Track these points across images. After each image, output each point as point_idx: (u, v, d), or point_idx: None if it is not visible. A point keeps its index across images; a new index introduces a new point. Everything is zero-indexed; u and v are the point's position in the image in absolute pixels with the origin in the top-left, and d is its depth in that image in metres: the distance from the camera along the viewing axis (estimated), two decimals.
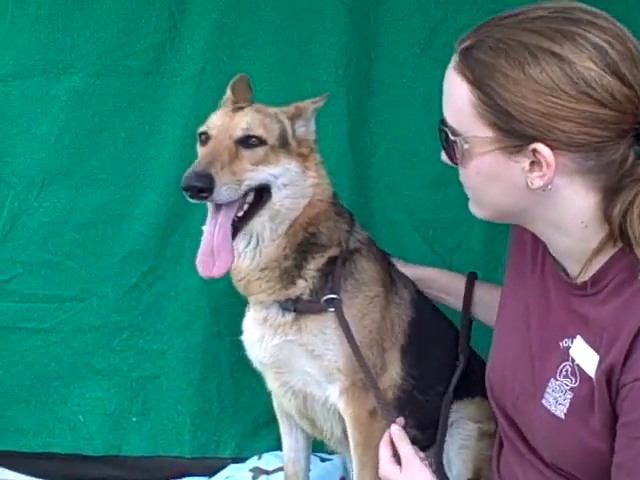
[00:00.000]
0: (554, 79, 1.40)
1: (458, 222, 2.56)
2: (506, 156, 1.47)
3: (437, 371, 2.13)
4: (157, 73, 2.53)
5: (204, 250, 1.94)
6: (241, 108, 2.08)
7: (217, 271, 1.93)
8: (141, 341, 2.59)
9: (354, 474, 2.11)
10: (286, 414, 2.27)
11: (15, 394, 2.59)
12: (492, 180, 1.50)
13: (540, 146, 1.43)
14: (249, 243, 2.04)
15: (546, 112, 1.41)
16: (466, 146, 1.49)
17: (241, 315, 2.27)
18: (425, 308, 2.17)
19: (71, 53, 2.50)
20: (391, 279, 2.13)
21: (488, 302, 2.12)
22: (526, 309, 1.65)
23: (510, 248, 1.81)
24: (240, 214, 1.97)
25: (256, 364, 2.18)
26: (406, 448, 1.71)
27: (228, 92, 2.17)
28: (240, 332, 2.29)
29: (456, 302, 2.20)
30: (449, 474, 2.05)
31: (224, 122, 2.02)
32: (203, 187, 1.87)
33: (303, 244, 2.04)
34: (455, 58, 1.49)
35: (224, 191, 1.89)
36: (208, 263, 1.93)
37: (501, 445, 1.76)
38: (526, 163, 1.46)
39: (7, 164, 2.54)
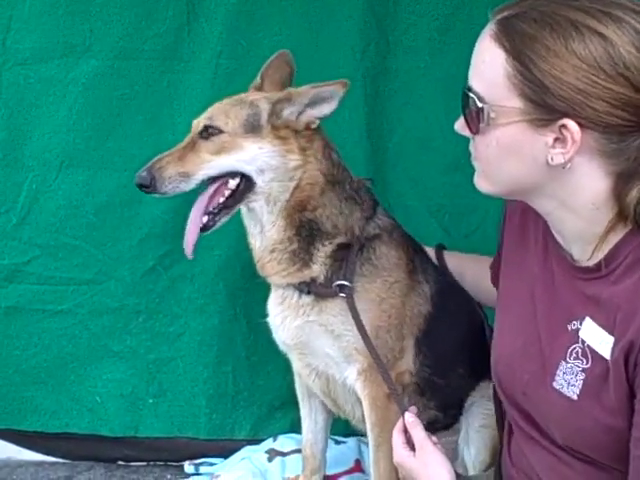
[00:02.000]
0: (596, 57, 1.41)
1: (475, 207, 2.57)
2: (532, 129, 1.46)
3: (456, 355, 2.14)
4: (175, 57, 2.53)
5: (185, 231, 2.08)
6: None
7: (187, 251, 2.08)
8: (158, 324, 2.61)
9: (370, 454, 2.14)
10: (307, 395, 2.30)
11: (33, 375, 2.61)
12: (510, 152, 1.49)
13: (570, 122, 1.43)
14: (256, 225, 2.10)
15: (582, 88, 1.41)
16: (492, 115, 1.47)
17: (257, 298, 2.29)
18: (448, 299, 2.16)
19: (89, 37, 2.51)
20: (414, 267, 2.14)
21: (460, 272, 2.16)
22: (531, 297, 1.64)
23: (502, 234, 1.80)
24: (221, 200, 2.05)
25: (281, 345, 2.21)
26: (420, 434, 1.72)
27: (258, 77, 2.18)
28: (256, 315, 2.32)
29: None
30: (467, 452, 2.07)
31: (200, 117, 2.10)
32: (145, 183, 2.01)
33: (304, 228, 2.07)
34: (492, 26, 1.48)
35: (168, 184, 2.02)
36: (185, 244, 2.08)
37: (510, 433, 1.76)
38: (550, 138, 1.45)
39: (25, 147, 2.55)
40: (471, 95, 1.50)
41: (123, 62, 2.53)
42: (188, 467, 2.58)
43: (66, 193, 2.56)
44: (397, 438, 1.74)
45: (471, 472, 2.14)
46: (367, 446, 2.43)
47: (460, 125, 1.55)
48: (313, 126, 2.08)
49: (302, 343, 2.14)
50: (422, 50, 2.57)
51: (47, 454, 2.65)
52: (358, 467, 2.45)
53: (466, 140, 2.55)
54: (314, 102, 2.07)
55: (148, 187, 2.02)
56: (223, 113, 2.06)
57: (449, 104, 2.56)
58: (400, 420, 1.76)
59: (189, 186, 2.03)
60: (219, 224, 2.09)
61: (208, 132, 2.05)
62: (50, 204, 2.56)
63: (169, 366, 2.61)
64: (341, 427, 2.46)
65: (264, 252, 2.11)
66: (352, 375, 2.09)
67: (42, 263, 2.58)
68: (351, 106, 2.50)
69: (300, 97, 2.07)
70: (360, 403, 2.13)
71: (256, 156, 2.04)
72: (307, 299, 2.09)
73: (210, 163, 2.03)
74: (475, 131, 1.52)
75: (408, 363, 2.11)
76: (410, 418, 1.74)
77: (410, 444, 1.73)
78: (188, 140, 2.08)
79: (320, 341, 2.10)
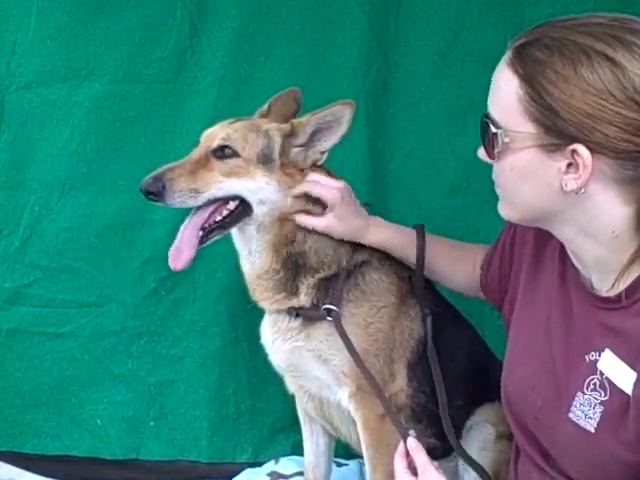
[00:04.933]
0: (604, 81, 1.41)
1: (476, 230, 2.56)
2: (544, 154, 1.47)
3: (453, 386, 2.11)
4: (178, 81, 2.55)
5: (174, 244, 2.05)
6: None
7: (179, 264, 2.02)
8: (159, 346, 2.60)
9: (367, 476, 2.13)
10: (308, 418, 2.30)
11: (33, 398, 2.60)
12: (525, 178, 1.50)
13: (580, 147, 1.44)
14: (244, 249, 2.12)
15: (591, 113, 1.42)
16: (506, 139, 1.49)
17: (259, 321, 2.29)
18: (446, 325, 2.15)
19: (93, 60, 2.52)
20: (405, 292, 2.13)
21: (437, 255, 2.12)
22: (547, 321, 1.64)
23: (511, 245, 1.80)
24: (218, 219, 2.04)
25: (276, 368, 2.22)
26: (422, 458, 1.71)
27: (266, 105, 2.19)
28: (258, 338, 2.32)
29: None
30: (468, 477, 2.06)
31: (213, 132, 2.09)
32: (153, 191, 1.98)
33: (290, 261, 2.08)
34: (508, 54, 1.51)
35: (177, 197, 1.99)
36: (174, 256, 2.03)
37: (518, 453, 1.75)
38: (563, 164, 1.46)
39: (29, 170, 2.56)
40: (487, 121, 1.52)
41: (126, 85, 2.54)
42: None
43: (68, 215, 2.57)
44: (399, 463, 1.72)
45: None
46: None
47: (481, 153, 1.57)
48: (319, 163, 2.10)
49: (293, 366, 2.15)
50: (424, 73, 2.58)
51: (48, 476, 2.63)
52: None
53: (468, 163, 2.62)
54: (319, 130, 2.07)
55: (155, 195, 1.99)
56: (242, 137, 2.05)
57: (451, 127, 2.64)
58: (401, 444, 1.75)
59: (197, 203, 2.03)
60: (210, 242, 2.08)
61: (224, 152, 2.04)
62: (52, 227, 2.57)
63: (170, 389, 2.61)
64: (343, 450, 2.44)
65: (252, 277, 2.14)
66: (344, 398, 2.10)
67: (44, 285, 2.58)
68: (352, 129, 2.47)
69: (303, 127, 2.07)
70: (356, 425, 2.12)
71: (262, 189, 2.05)
72: (295, 324, 2.10)
73: (221, 184, 2.03)
74: (492, 157, 1.54)
75: (401, 385, 2.11)
76: (413, 443, 1.73)
77: (411, 469, 1.72)
78: (201, 155, 2.05)
79: (309, 365, 2.11)
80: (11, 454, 2.62)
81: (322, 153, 2.10)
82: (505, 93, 1.49)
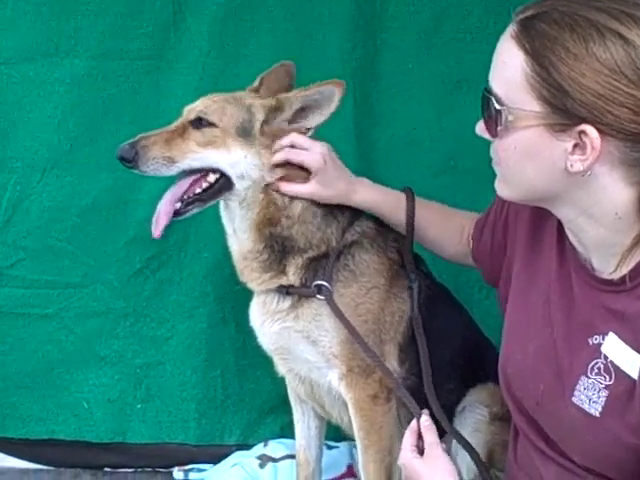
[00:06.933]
0: (617, 61, 1.37)
1: (464, 209, 2.55)
2: (550, 134, 1.43)
3: (445, 370, 2.09)
4: (161, 57, 2.50)
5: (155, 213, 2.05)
6: None
7: (156, 232, 2.04)
8: (145, 327, 2.57)
9: (359, 457, 2.12)
10: (299, 400, 2.28)
11: (17, 381, 2.56)
12: (529, 157, 1.46)
13: (589, 128, 1.39)
14: (230, 227, 2.10)
15: (602, 94, 1.38)
16: (510, 117, 1.44)
17: (246, 302, 2.26)
18: (437, 307, 2.13)
19: (74, 36, 2.46)
20: (396, 274, 2.10)
21: (427, 218, 2.09)
22: (546, 301, 1.61)
23: (514, 231, 1.77)
24: (197, 191, 2.02)
25: (265, 350, 2.19)
26: (432, 437, 1.69)
27: (257, 80, 2.16)
28: (245, 319, 2.30)
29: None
30: (461, 458, 2.05)
31: (193, 105, 2.08)
32: (127, 157, 1.99)
33: (277, 243, 2.05)
34: (513, 27, 1.45)
35: (150, 165, 1.99)
36: (153, 225, 2.05)
37: (516, 434, 1.74)
38: (570, 144, 1.42)
39: (9, 148, 2.50)
40: (490, 97, 1.47)
41: (108, 62, 2.48)
42: (177, 473, 2.56)
43: (51, 195, 2.52)
44: (407, 440, 1.70)
45: (465, 477, 2.12)
46: None
47: (480, 128, 1.53)
48: None
49: (282, 348, 2.13)
50: (410, 51, 2.55)
51: (32, 461, 2.61)
52: (351, 472, 2.44)
53: (455, 142, 2.61)
54: (307, 108, 2.04)
55: (129, 162, 1.99)
56: (220, 109, 2.03)
57: (438, 105, 2.62)
58: (414, 421, 1.73)
59: (170, 172, 2.01)
60: (189, 214, 2.07)
61: (201, 123, 2.02)
62: (35, 206, 2.52)
63: (157, 370, 2.58)
64: (333, 432, 2.43)
65: (238, 256, 2.11)
66: (334, 380, 2.08)
67: (27, 266, 2.53)
68: (339, 107, 2.47)
69: (290, 103, 2.04)
70: (347, 408, 2.10)
71: (240, 162, 2.01)
72: (285, 305, 2.07)
73: (196, 154, 2.01)
74: (494, 134, 1.49)
75: (393, 366, 2.08)
76: (426, 421, 1.71)
77: (417, 448, 1.70)
78: (178, 125, 2.05)
79: (299, 347, 2.09)
80: None
81: (307, 129, 2.06)
82: (510, 68, 1.44)
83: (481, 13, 2.53)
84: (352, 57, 2.53)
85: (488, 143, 2.54)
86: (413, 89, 2.56)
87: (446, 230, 2.12)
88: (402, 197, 2.10)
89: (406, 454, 1.69)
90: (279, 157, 2.02)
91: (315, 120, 2.05)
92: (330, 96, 2.03)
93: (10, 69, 2.47)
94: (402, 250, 2.11)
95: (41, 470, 2.60)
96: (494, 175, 2.56)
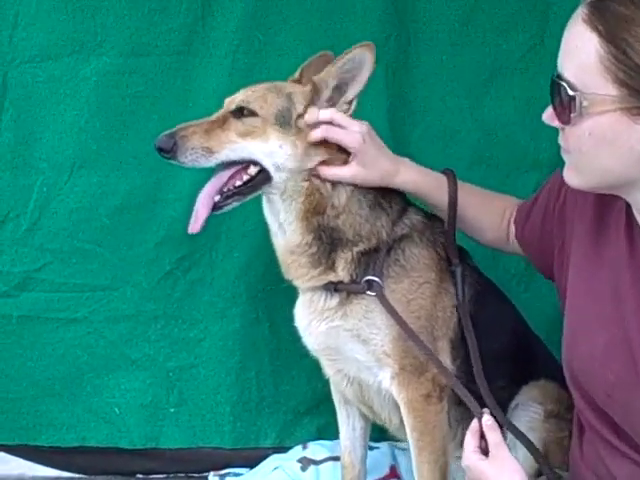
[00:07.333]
0: None
1: None
2: (628, 117, 1.39)
3: (496, 365, 2.03)
4: (189, 52, 2.45)
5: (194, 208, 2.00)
6: None
7: (195, 227, 1.97)
8: (177, 330, 2.52)
9: (412, 459, 2.05)
10: (344, 401, 2.22)
11: (47, 387, 2.51)
12: (605, 143, 1.42)
13: None
14: (275, 222, 2.04)
15: None
16: (585, 103, 1.41)
17: (280, 301, 2.23)
18: (485, 304, 2.07)
19: (101, 32, 2.42)
20: (445, 268, 2.04)
21: (468, 201, 2.03)
22: (615, 292, 1.56)
23: (572, 217, 1.72)
24: (237, 184, 1.97)
25: (311, 351, 2.13)
26: (497, 438, 1.63)
27: (297, 71, 2.11)
28: (279, 318, 2.25)
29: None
30: (515, 454, 1.99)
31: (234, 96, 2.03)
32: (165, 148, 1.93)
33: (325, 234, 1.99)
34: (583, 10, 1.42)
35: (189, 155, 1.94)
36: (192, 220, 1.98)
37: (582, 430, 1.68)
38: None
39: (35, 149, 2.45)
40: (561, 83, 1.43)
41: (136, 59, 2.44)
42: (212, 478, 2.50)
43: (78, 196, 2.47)
44: (469, 442, 1.65)
45: None
46: (401, 451, 2.37)
47: (549, 116, 1.48)
48: (348, 115, 1.99)
49: (330, 348, 2.06)
50: (443, 42, 2.51)
51: (63, 469, 2.56)
52: (394, 473, 2.39)
53: (490, 133, 2.56)
54: (342, 80, 1.98)
55: (168, 152, 1.93)
56: (261, 97, 1.99)
57: (472, 96, 2.58)
58: (474, 422, 1.67)
59: (208, 163, 1.96)
60: (228, 208, 2.01)
61: (242, 113, 1.98)
62: (62, 208, 2.47)
63: (190, 373, 2.53)
64: (373, 432, 2.35)
65: (285, 252, 2.04)
66: (386, 380, 2.01)
67: (55, 269, 2.48)
68: (373, 100, 2.42)
69: (325, 82, 1.99)
70: (397, 409, 2.05)
71: (275, 152, 1.97)
72: (332, 302, 2.01)
73: (235, 144, 1.96)
74: (566, 122, 1.45)
75: (446, 363, 2.01)
76: (489, 421, 1.65)
77: (481, 449, 1.64)
78: (219, 115, 2.00)
79: (348, 346, 2.02)
80: (25, 448, 2.53)
81: (349, 103, 2.01)
82: (582, 52, 1.41)
83: (515, 3, 2.49)
84: (385, 49, 2.47)
85: (522, 134, 2.57)
86: (447, 80, 2.52)
87: (486, 212, 2.08)
88: (442, 178, 2.06)
89: (471, 456, 1.63)
90: (317, 134, 1.96)
91: (354, 90, 2.00)
92: (362, 60, 1.98)
93: (35, 67, 2.42)
94: (445, 234, 2.05)
95: (72, 478, 2.55)
96: (527, 166, 2.58)
